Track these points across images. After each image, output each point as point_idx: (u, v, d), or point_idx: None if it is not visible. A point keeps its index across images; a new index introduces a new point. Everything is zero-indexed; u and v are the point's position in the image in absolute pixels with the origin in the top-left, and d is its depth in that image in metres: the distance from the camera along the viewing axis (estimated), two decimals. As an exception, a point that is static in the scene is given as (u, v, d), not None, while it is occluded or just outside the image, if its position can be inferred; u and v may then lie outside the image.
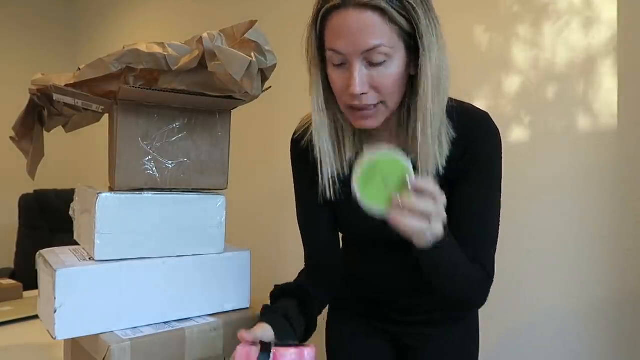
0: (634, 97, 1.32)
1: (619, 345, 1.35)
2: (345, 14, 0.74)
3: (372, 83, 0.76)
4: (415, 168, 0.80)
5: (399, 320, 0.98)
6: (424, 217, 0.68)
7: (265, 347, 0.68)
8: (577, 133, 1.41)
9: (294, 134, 0.96)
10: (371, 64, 0.75)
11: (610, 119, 1.35)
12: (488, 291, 0.86)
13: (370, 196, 0.69)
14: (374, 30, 0.73)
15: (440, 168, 0.81)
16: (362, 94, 0.76)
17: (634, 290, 1.33)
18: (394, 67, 0.76)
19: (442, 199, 0.70)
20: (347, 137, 0.87)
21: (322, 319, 1.11)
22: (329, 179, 0.86)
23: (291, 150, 0.97)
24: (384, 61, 0.75)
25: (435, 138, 0.80)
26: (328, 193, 0.87)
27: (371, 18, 0.73)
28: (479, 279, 0.84)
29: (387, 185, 0.69)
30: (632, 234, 1.33)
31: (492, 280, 0.86)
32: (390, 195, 0.68)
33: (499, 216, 0.86)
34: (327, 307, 1.11)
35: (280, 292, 0.89)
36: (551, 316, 1.47)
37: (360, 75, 0.75)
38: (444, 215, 0.71)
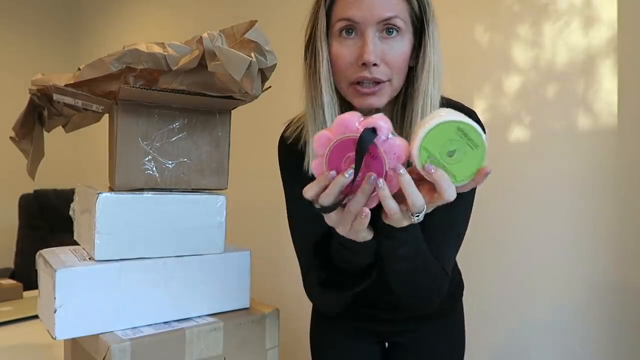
0: (634, 97, 1.32)
1: (620, 345, 1.35)
2: None
3: (383, 56, 0.76)
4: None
5: (384, 319, 0.97)
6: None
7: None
8: (577, 133, 1.41)
9: (284, 137, 0.91)
10: (384, 37, 0.76)
11: (610, 118, 1.35)
12: (445, 287, 0.83)
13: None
14: (391, 1, 0.75)
15: None
16: (374, 65, 0.76)
17: (635, 290, 1.33)
18: (404, 45, 0.78)
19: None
20: None
21: (307, 323, 1.10)
22: None
23: (280, 152, 0.92)
24: (397, 35, 0.76)
25: None
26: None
27: None
28: (438, 272, 0.81)
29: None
30: (633, 233, 1.33)
31: (449, 277, 0.84)
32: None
33: (469, 216, 0.84)
34: (311, 310, 1.09)
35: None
36: (551, 316, 1.47)
37: (374, 44, 0.75)
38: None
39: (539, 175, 1.47)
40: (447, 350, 1.00)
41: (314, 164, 0.62)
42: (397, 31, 0.76)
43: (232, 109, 0.96)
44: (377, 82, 0.77)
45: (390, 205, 0.59)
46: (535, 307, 1.49)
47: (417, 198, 0.58)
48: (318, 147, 0.61)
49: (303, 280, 0.90)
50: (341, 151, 0.59)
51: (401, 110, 0.82)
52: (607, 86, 1.35)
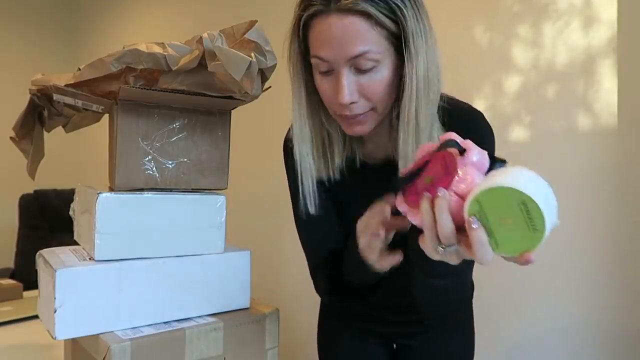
0: (634, 97, 1.32)
1: (620, 345, 1.35)
2: (327, 21, 0.70)
3: (361, 91, 0.73)
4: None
5: (393, 321, 0.97)
6: None
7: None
8: (577, 133, 1.41)
9: (287, 139, 0.92)
10: (359, 71, 0.72)
11: (610, 118, 1.35)
12: (469, 291, 0.88)
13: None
14: (360, 36, 0.69)
15: None
16: (352, 103, 0.73)
17: (634, 290, 1.33)
18: (384, 72, 0.73)
19: None
20: (335, 144, 0.84)
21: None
22: (309, 192, 0.84)
23: (285, 155, 0.93)
24: (373, 67, 0.72)
25: (425, 142, 0.76)
26: (310, 206, 0.84)
27: (356, 24, 0.69)
28: (467, 281, 0.85)
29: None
30: (632, 233, 1.33)
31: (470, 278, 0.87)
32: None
33: None
34: (319, 311, 1.09)
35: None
36: (551, 316, 1.47)
37: (348, 83, 0.72)
38: None
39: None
40: (458, 351, 1.00)
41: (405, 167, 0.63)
42: (374, 62, 0.71)
43: (232, 109, 0.96)
44: (361, 114, 0.75)
45: (445, 219, 0.54)
46: (535, 307, 1.49)
47: (445, 227, 0.54)
48: (416, 155, 0.61)
49: (312, 278, 0.94)
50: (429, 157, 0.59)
51: (397, 118, 0.79)
52: (607, 86, 1.35)
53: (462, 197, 0.54)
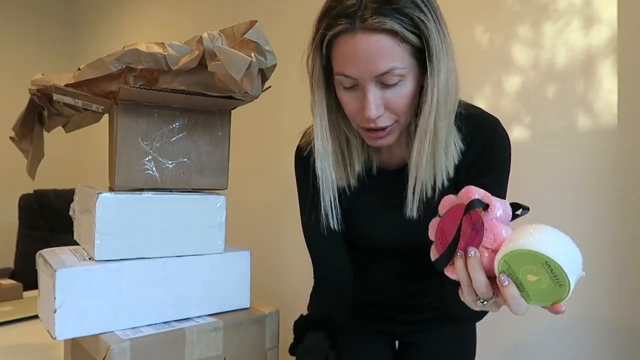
0: (634, 97, 1.32)
1: (620, 345, 1.35)
2: (353, 39, 0.70)
3: (387, 105, 0.74)
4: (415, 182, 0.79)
5: (400, 321, 0.98)
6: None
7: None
8: (577, 133, 1.41)
9: (300, 148, 0.93)
10: (385, 85, 0.73)
11: (610, 118, 1.35)
12: None
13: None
14: (386, 54, 0.70)
15: (445, 181, 0.80)
16: (378, 116, 0.74)
17: (633, 289, 1.33)
18: (409, 86, 0.74)
19: None
20: (354, 150, 0.85)
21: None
22: (331, 208, 0.84)
23: (296, 164, 0.94)
24: (399, 81, 0.72)
25: (441, 151, 0.77)
26: (331, 221, 0.85)
27: (382, 41, 0.69)
28: None
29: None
30: (631, 233, 1.33)
31: None
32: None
33: None
34: None
35: (308, 325, 0.89)
36: (551, 315, 1.47)
37: (374, 98, 0.72)
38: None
39: (538, 175, 1.47)
40: (461, 350, 1.00)
41: (433, 220, 0.65)
42: (399, 77, 0.72)
43: (232, 109, 0.96)
44: (386, 127, 0.76)
45: (479, 277, 0.57)
46: (534, 307, 1.49)
47: (480, 284, 0.57)
48: (440, 207, 0.63)
49: (314, 282, 0.97)
50: (456, 214, 0.61)
51: (415, 127, 0.79)
52: (607, 86, 1.35)
53: (494, 251, 0.57)
